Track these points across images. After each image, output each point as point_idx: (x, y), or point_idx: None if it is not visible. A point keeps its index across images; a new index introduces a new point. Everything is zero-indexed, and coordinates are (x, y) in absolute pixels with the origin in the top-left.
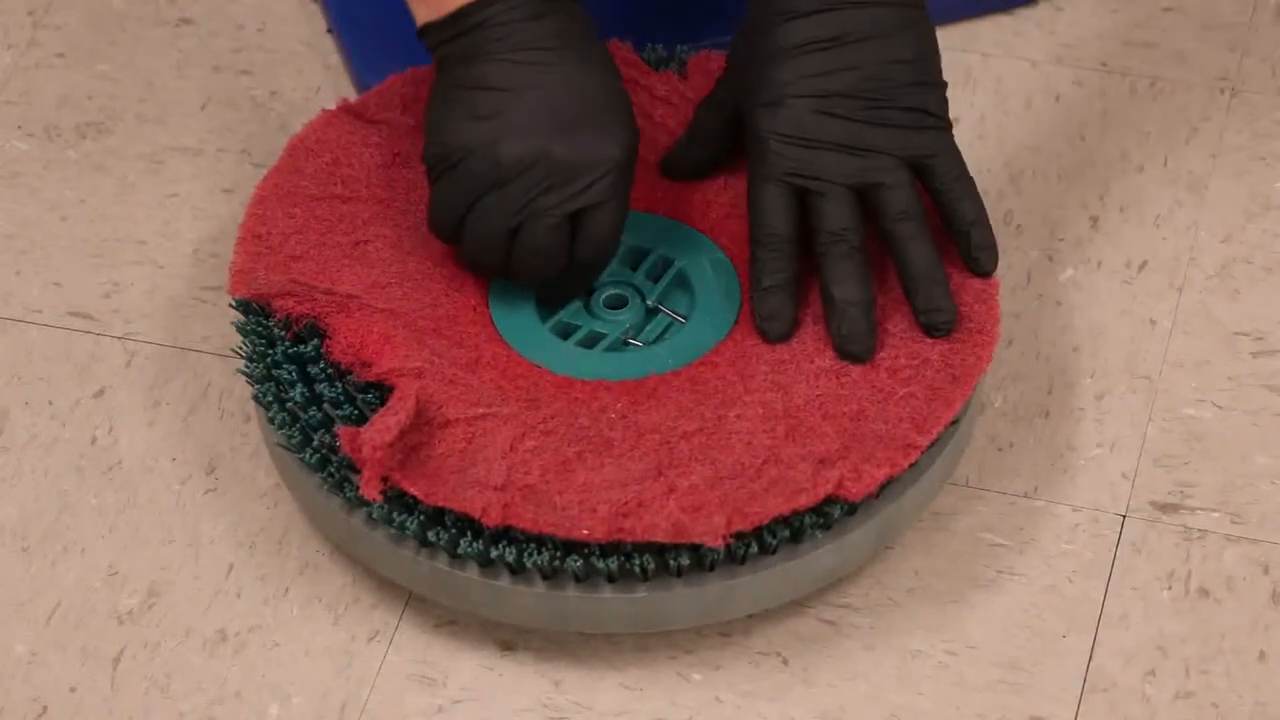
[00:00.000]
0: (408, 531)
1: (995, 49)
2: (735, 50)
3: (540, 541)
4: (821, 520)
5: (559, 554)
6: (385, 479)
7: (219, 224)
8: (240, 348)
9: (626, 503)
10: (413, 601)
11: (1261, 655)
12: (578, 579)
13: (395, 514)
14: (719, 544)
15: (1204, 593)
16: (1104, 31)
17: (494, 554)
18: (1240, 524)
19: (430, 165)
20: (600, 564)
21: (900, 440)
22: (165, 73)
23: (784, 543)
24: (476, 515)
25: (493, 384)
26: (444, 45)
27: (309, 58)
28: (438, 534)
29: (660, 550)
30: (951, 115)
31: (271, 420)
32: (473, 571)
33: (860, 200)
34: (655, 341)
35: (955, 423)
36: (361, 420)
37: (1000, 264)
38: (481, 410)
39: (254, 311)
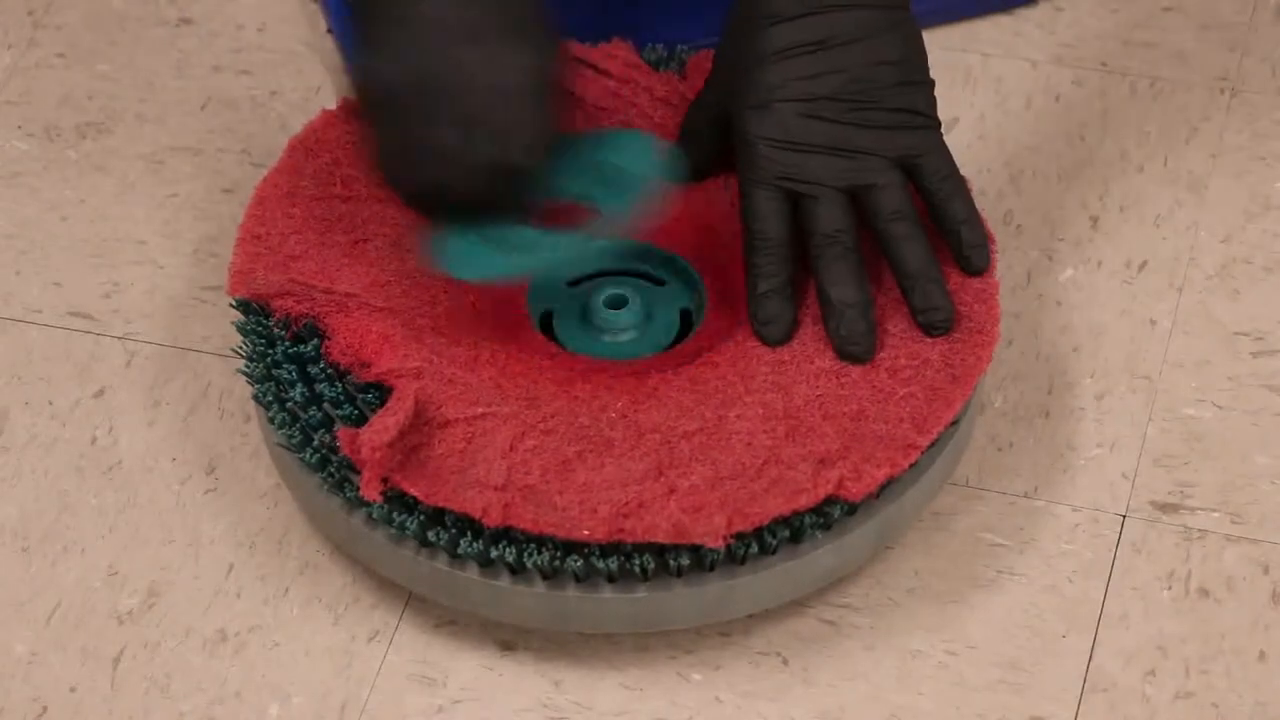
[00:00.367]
0: (408, 531)
1: (995, 49)
2: (721, 53)
3: (540, 541)
4: (821, 520)
5: (559, 554)
6: (385, 480)
7: (219, 224)
8: (240, 348)
9: (627, 503)
10: (413, 601)
11: (1261, 655)
12: (578, 579)
13: (395, 514)
14: (719, 545)
15: (1204, 593)
16: (1104, 31)
17: (494, 554)
18: (1240, 524)
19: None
20: (600, 564)
21: (900, 440)
22: (165, 73)
23: (784, 543)
24: (477, 516)
25: (492, 383)
26: None
27: (309, 58)
28: (438, 534)
29: (660, 550)
30: (952, 115)
31: (271, 420)
32: (473, 571)
33: (853, 203)
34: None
35: (955, 423)
36: (361, 420)
37: (1000, 264)
38: (481, 410)
39: (254, 311)
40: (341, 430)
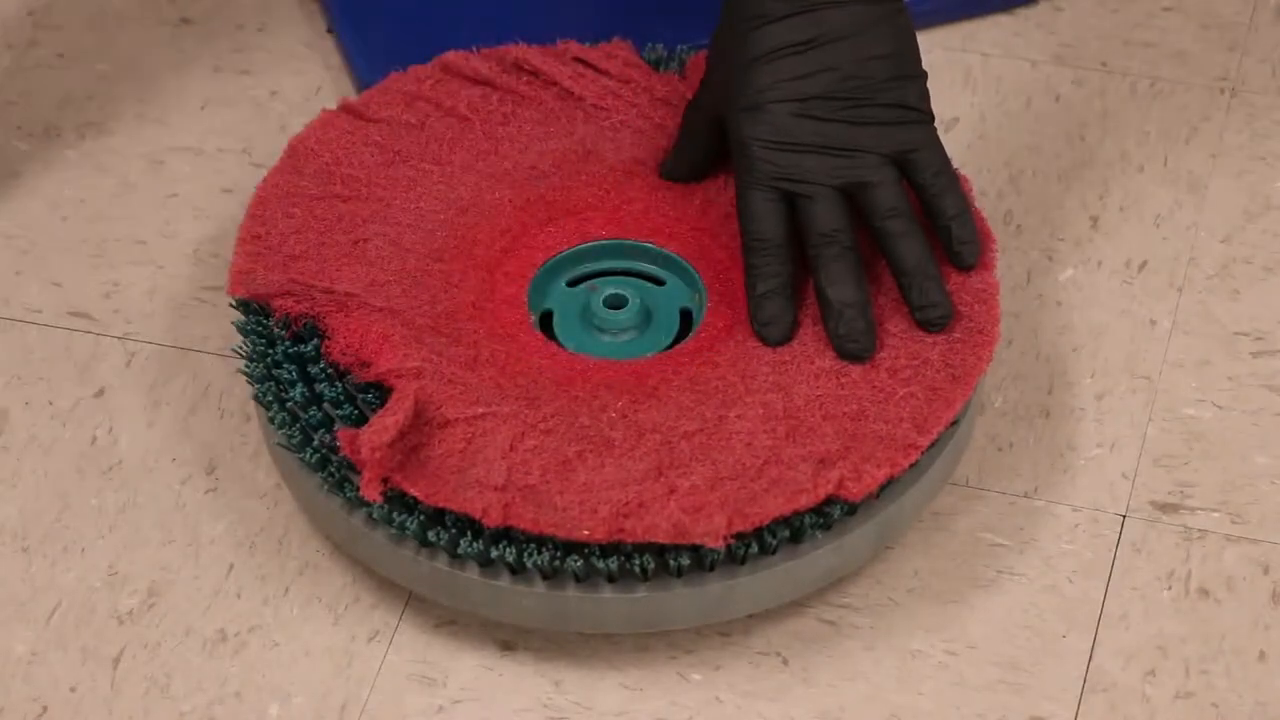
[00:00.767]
0: (408, 531)
1: (995, 49)
2: (713, 54)
3: (540, 541)
4: (821, 520)
5: (559, 554)
6: (385, 480)
7: (219, 224)
8: (240, 348)
9: (627, 503)
10: (413, 601)
11: (1261, 655)
12: (578, 579)
13: (395, 514)
14: (719, 545)
15: (1204, 593)
16: (1104, 31)
17: (494, 554)
18: (1240, 524)
19: None
20: (600, 564)
21: (900, 440)
22: (165, 73)
23: (784, 543)
24: (477, 516)
25: (492, 383)
26: None
27: (309, 58)
28: (438, 534)
29: (660, 550)
30: (952, 115)
31: (271, 420)
32: (473, 571)
33: (848, 201)
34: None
35: (955, 423)
36: (361, 420)
37: (1000, 264)
38: (481, 409)
39: (254, 311)
40: (341, 430)
